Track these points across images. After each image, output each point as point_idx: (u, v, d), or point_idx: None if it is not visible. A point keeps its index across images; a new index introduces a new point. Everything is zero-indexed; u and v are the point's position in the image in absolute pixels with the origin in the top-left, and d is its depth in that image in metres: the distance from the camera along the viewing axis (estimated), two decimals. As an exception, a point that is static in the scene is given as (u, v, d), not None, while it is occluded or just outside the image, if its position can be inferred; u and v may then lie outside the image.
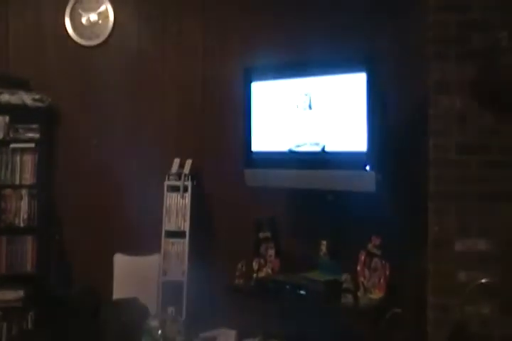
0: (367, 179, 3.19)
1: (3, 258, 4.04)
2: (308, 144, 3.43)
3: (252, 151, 3.66)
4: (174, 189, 3.93)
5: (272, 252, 3.65)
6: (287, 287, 3.38)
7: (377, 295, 3.18)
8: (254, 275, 3.62)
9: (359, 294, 3.22)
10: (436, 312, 2.78)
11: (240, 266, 3.61)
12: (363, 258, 3.29)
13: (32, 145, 4.10)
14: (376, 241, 3.25)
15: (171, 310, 3.59)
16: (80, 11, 4.29)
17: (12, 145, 4.08)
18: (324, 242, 3.50)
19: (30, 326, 3.98)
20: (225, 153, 3.95)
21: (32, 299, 4.02)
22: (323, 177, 3.36)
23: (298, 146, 3.48)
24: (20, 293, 4.00)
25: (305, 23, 3.72)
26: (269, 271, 3.63)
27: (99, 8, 4.27)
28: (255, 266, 3.65)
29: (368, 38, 3.48)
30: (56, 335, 3.78)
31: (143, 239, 4.03)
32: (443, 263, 2.87)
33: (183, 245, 3.86)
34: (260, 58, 3.72)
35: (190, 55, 4.12)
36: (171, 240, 3.90)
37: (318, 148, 3.38)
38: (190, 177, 3.92)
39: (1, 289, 3.96)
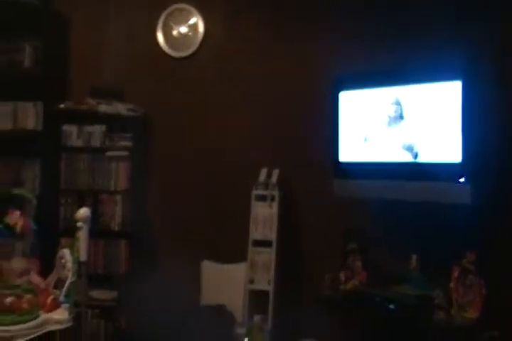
0: (461, 191, 2.90)
1: (100, 259, 4.02)
2: (399, 154, 3.17)
3: (340, 161, 3.44)
4: (261, 198, 3.78)
5: (359, 264, 3.43)
6: (376, 300, 3.15)
7: (472, 314, 2.88)
8: (342, 286, 3.40)
9: (452, 312, 2.93)
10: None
11: (327, 276, 3.40)
12: (456, 274, 2.99)
13: (126, 153, 4.06)
14: (471, 256, 2.95)
15: (257, 318, 3.42)
16: (171, 23, 4.22)
17: (108, 153, 4.07)
18: (414, 256, 3.23)
19: (124, 325, 3.92)
20: (313, 163, 3.75)
21: (125, 300, 3.96)
22: (414, 188, 3.09)
23: (388, 157, 3.22)
24: (115, 294, 3.97)
25: (396, 29, 3.46)
26: (357, 282, 3.41)
27: (189, 20, 4.19)
28: (342, 277, 3.43)
29: (464, 44, 3.16)
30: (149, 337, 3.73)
31: (230, 247, 3.92)
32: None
33: (269, 254, 3.70)
34: (349, 67, 3.49)
35: (278, 64, 3.95)
36: (258, 249, 3.75)
37: (410, 159, 3.11)
38: (277, 186, 3.76)
39: (99, 288, 3.94)
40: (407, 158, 3.13)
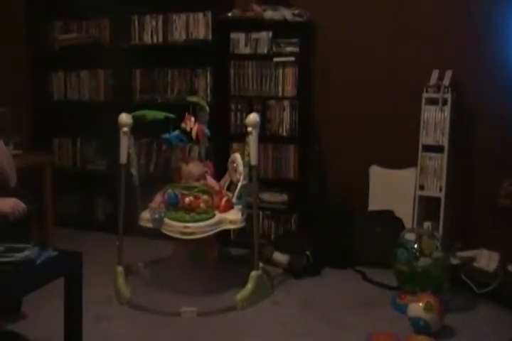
0: None
1: (269, 164, 4.03)
2: None
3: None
4: (432, 102, 3.44)
5: (543, 172, 3.01)
6: None
7: None
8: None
9: None
10: None
11: (505, 185, 3.04)
12: None
13: (292, 58, 3.91)
14: None
15: (427, 225, 3.21)
16: None
17: (275, 59, 3.94)
18: None
19: (293, 227, 3.96)
20: (490, 64, 3.29)
21: (294, 203, 3.96)
22: None
23: None
24: (285, 197, 3.99)
25: None
26: (539, 192, 3.02)
27: None
28: (526, 186, 3.05)
29: None
30: (316, 238, 3.72)
31: (399, 152, 3.70)
32: None
33: (441, 160, 3.41)
34: None
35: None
36: (429, 154, 3.47)
37: None
38: (450, 89, 3.38)
39: (269, 191, 3.98)
40: None
